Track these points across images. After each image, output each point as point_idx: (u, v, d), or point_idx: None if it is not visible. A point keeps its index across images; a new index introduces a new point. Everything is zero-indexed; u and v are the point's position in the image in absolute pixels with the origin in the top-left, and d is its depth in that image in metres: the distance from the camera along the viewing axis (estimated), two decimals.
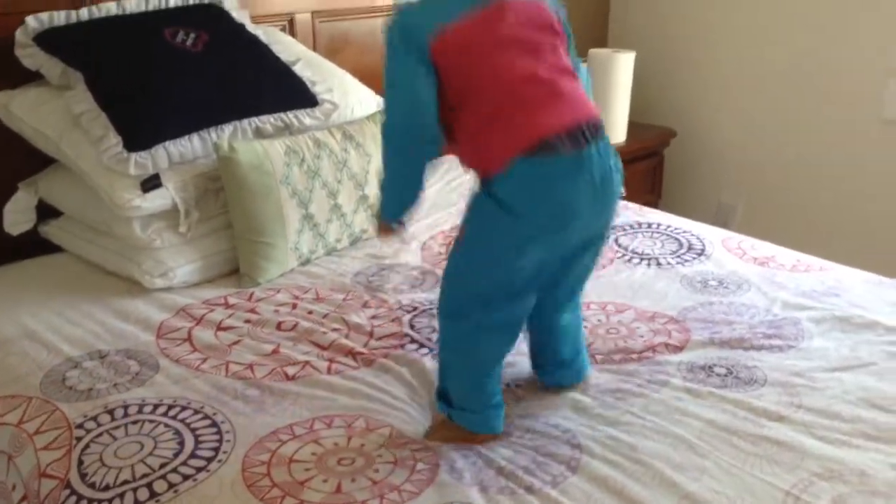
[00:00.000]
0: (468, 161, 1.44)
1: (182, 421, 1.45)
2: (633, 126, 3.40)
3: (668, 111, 3.62)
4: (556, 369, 1.58)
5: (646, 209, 2.44)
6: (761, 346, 1.70)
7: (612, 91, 3.22)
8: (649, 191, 3.49)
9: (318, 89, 2.23)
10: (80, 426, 1.44)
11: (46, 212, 2.11)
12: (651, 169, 3.48)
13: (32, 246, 2.12)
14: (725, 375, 1.60)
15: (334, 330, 1.76)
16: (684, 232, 2.29)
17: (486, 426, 1.44)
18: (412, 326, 1.79)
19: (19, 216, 2.09)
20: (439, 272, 1.65)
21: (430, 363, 1.63)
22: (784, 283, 1.99)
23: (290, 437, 1.41)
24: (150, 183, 1.89)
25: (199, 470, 1.33)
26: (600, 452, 1.37)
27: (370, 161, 2.15)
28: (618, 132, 3.28)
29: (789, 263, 2.10)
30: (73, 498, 1.30)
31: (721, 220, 3.54)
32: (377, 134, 2.20)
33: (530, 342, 1.60)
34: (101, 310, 1.84)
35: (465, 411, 1.44)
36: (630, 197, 2.82)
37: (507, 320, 1.42)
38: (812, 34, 3.12)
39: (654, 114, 3.64)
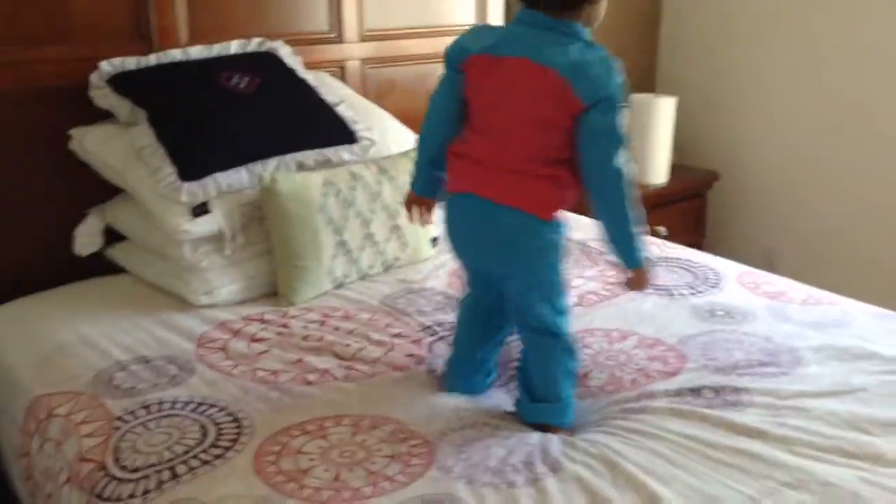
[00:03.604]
0: None
1: (208, 417, 1.63)
2: (676, 168, 3.51)
3: (712, 154, 3.71)
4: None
5: (668, 244, 2.53)
6: (754, 372, 1.77)
7: (653, 134, 3.36)
8: (692, 230, 3.56)
9: (357, 127, 2.42)
10: (119, 418, 1.63)
11: (113, 236, 2.35)
12: (694, 209, 3.57)
13: (100, 266, 2.35)
14: (712, 398, 1.67)
15: (356, 342, 1.92)
16: (701, 266, 2.37)
17: None
18: (430, 349, 1.92)
19: (88, 239, 2.33)
20: None
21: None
22: (791, 315, 2.05)
23: (301, 432, 1.57)
24: (200, 209, 2.10)
25: (216, 457, 1.50)
26: (581, 459, 1.49)
27: (402, 194, 2.31)
28: (659, 174, 3.40)
29: (800, 297, 2.16)
30: (107, 478, 1.48)
31: (767, 262, 3.58)
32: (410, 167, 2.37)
33: None
34: (151, 322, 2.04)
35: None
36: (673, 236, 2.91)
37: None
38: (858, 79, 3.17)
39: (698, 157, 3.73)
